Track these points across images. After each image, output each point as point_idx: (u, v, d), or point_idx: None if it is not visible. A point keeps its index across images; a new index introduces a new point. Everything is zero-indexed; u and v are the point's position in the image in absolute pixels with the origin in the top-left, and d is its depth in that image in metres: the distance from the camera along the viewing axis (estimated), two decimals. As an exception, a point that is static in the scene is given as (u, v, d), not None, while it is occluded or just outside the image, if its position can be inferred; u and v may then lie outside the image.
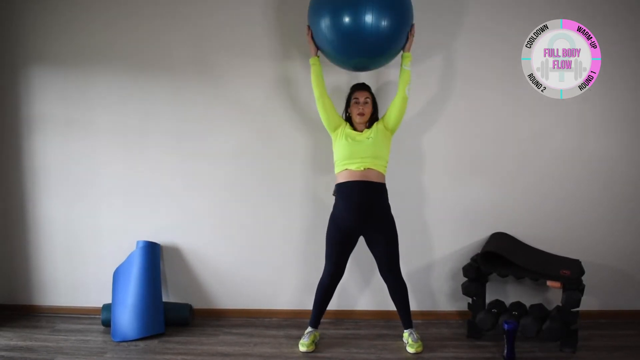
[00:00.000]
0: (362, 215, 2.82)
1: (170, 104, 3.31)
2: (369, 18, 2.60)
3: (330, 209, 2.94)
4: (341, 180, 2.87)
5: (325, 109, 2.90)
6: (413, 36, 2.85)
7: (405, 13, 2.75)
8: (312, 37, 2.85)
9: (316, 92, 2.91)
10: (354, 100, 2.91)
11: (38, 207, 3.41)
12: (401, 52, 2.87)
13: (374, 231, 2.87)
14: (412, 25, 2.82)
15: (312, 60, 2.90)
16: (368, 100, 2.90)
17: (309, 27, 2.86)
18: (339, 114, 2.97)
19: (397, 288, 2.92)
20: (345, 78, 3.17)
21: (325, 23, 2.69)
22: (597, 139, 3.20)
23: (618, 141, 3.20)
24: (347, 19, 2.62)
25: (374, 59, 2.82)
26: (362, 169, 2.82)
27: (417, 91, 3.17)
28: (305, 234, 3.33)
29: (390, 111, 2.90)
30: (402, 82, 2.86)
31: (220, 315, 3.40)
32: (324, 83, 2.91)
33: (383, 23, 2.63)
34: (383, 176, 2.88)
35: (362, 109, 2.88)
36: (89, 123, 3.34)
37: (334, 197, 2.93)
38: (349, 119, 2.97)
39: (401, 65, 2.87)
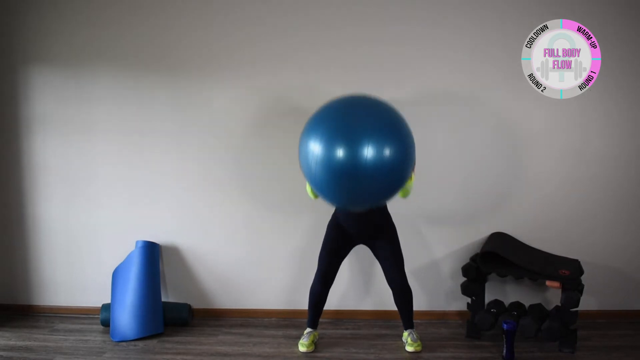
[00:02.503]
0: (362, 227, 2.82)
1: (169, 104, 3.30)
2: (367, 152, 2.21)
3: (329, 208, 2.93)
4: None
5: None
6: (413, 178, 2.66)
7: (408, 147, 2.40)
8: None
9: (312, 197, 2.78)
10: None
11: (37, 206, 3.41)
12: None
13: (377, 241, 2.86)
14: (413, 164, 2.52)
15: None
16: None
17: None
18: None
19: (403, 295, 2.91)
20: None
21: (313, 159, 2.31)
22: (597, 139, 3.20)
23: (618, 141, 3.20)
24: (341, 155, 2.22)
25: (370, 203, 2.51)
26: None
27: (417, 91, 3.18)
28: (305, 234, 3.32)
29: None
30: (401, 193, 2.70)
31: (219, 315, 3.40)
32: None
33: (383, 163, 2.27)
34: None
35: None
36: (88, 123, 3.33)
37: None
38: None
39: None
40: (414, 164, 2.55)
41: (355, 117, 2.35)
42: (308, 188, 2.80)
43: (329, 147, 2.26)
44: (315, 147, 2.30)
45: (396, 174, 2.37)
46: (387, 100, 2.57)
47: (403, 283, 2.89)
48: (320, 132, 2.33)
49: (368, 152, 2.22)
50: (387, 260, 2.87)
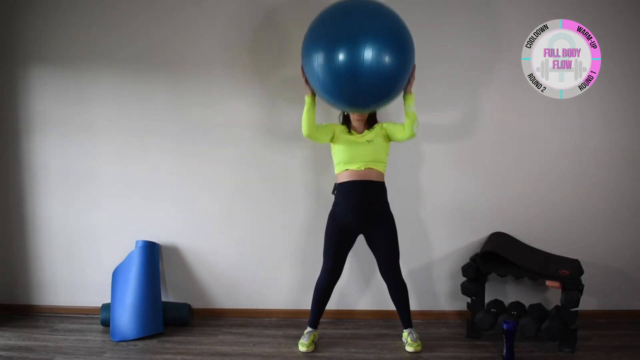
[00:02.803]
0: (362, 214, 2.82)
1: (169, 104, 3.30)
2: (368, 55, 2.35)
3: (329, 208, 2.94)
4: (342, 179, 2.86)
5: (316, 139, 2.85)
6: (414, 79, 2.72)
7: (408, 51, 2.54)
8: (306, 79, 2.71)
9: (304, 131, 2.80)
10: None
11: (37, 206, 3.41)
12: (402, 93, 2.73)
13: (374, 230, 2.87)
14: (413, 66, 2.66)
15: (308, 99, 2.78)
16: None
17: (302, 69, 2.70)
18: (328, 125, 2.90)
19: (397, 288, 2.92)
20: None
21: (318, 62, 2.46)
22: (597, 139, 3.20)
23: (618, 141, 3.20)
24: (342, 57, 2.36)
25: (371, 104, 2.64)
26: (362, 168, 2.82)
27: (416, 91, 3.17)
28: (305, 234, 3.32)
29: (396, 136, 2.85)
30: (409, 123, 2.76)
31: (219, 315, 3.40)
32: (313, 124, 2.79)
33: (383, 63, 2.40)
34: (383, 175, 2.88)
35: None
36: (88, 123, 3.34)
37: (333, 196, 2.93)
38: (346, 119, 2.96)
39: (405, 107, 2.77)
40: (414, 67, 2.65)
41: (355, 20, 2.45)
42: (304, 117, 2.78)
43: (331, 50, 2.40)
44: (318, 51, 2.46)
45: (395, 75, 2.51)
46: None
47: (396, 275, 2.90)
48: (322, 36, 2.47)
49: (367, 54, 2.35)
50: (382, 250, 2.87)
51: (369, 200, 2.82)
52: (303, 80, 2.75)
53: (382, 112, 3.02)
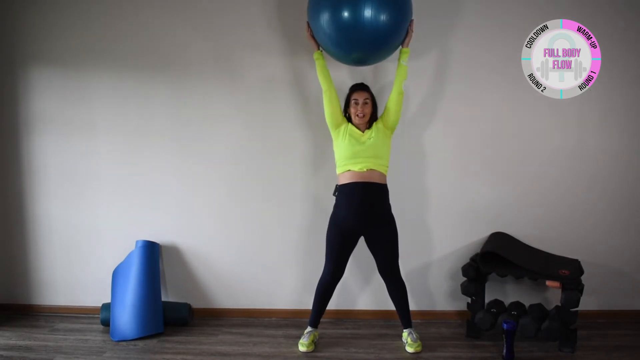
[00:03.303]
0: (364, 216, 2.82)
1: (170, 104, 3.30)
2: (368, 12, 2.59)
3: (330, 208, 2.94)
4: (344, 181, 2.86)
5: (331, 102, 2.90)
6: (412, 31, 2.86)
7: (405, 8, 2.76)
8: (312, 34, 2.87)
9: (323, 85, 2.91)
10: (354, 101, 2.90)
11: (37, 206, 3.41)
12: (400, 47, 2.88)
13: (375, 232, 2.86)
14: (411, 21, 2.83)
15: (316, 55, 2.91)
16: (367, 101, 2.89)
17: (308, 24, 2.87)
18: (343, 114, 2.97)
19: (397, 288, 2.92)
20: (347, 80, 3.16)
21: (324, 18, 2.69)
22: (597, 139, 3.20)
23: (617, 141, 3.20)
24: (346, 14, 2.62)
25: (373, 53, 2.81)
26: (365, 170, 2.81)
27: (416, 91, 3.18)
28: (305, 234, 3.32)
29: (389, 108, 2.90)
30: (398, 77, 2.88)
31: (219, 314, 3.40)
32: (329, 76, 2.91)
33: (382, 17, 2.63)
34: (385, 177, 2.88)
35: (362, 110, 2.87)
36: (88, 123, 3.34)
37: (333, 197, 2.92)
38: (348, 119, 2.97)
39: (399, 60, 2.89)
40: (412, 22, 2.83)
41: None
42: (318, 71, 2.91)
43: (337, 8, 2.64)
44: (326, 10, 2.69)
45: (394, 30, 2.74)
46: None
47: (395, 275, 2.90)
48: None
49: (369, 12, 2.61)
50: (382, 251, 2.87)
51: (370, 203, 2.81)
52: (308, 35, 2.90)
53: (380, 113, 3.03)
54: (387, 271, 2.90)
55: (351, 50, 2.77)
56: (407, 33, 2.84)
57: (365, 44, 2.72)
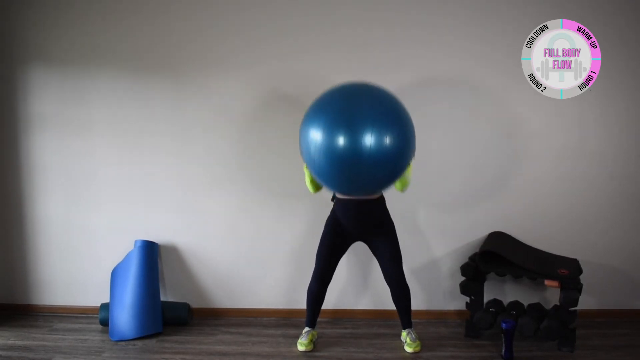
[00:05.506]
0: (360, 226, 2.81)
1: (169, 104, 3.29)
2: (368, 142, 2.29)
3: (328, 209, 2.93)
4: (339, 195, 2.81)
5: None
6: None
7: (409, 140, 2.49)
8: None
9: (311, 190, 2.85)
10: None
11: (36, 206, 3.40)
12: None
13: (374, 238, 2.86)
14: (413, 151, 2.60)
15: (306, 170, 2.79)
16: None
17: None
18: None
19: (401, 293, 2.91)
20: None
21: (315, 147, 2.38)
22: (596, 139, 3.20)
23: (617, 141, 3.20)
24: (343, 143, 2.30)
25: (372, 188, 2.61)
26: None
27: (416, 90, 3.17)
28: (304, 233, 3.32)
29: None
30: (399, 185, 2.74)
31: (218, 314, 3.40)
32: (320, 186, 2.80)
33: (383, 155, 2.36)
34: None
35: None
36: (87, 122, 3.33)
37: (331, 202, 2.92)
38: None
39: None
40: (414, 150, 2.59)
41: (356, 105, 2.40)
42: (307, 181, 2.80)
43: (331, 135, 2.32)
44: (317, 135, 2.36)
45: (396, 160, 2.45)
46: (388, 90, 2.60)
47: (400, 280, 2.89)
48: (321, 120, 2.38)
49: (369, 140, 2.28)
50: (385, 257, 2.87)
51: (367, 212, 2.78)
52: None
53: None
54: (392, 278, 2.89)
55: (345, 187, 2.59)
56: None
57: (364, 181, 2.48)
